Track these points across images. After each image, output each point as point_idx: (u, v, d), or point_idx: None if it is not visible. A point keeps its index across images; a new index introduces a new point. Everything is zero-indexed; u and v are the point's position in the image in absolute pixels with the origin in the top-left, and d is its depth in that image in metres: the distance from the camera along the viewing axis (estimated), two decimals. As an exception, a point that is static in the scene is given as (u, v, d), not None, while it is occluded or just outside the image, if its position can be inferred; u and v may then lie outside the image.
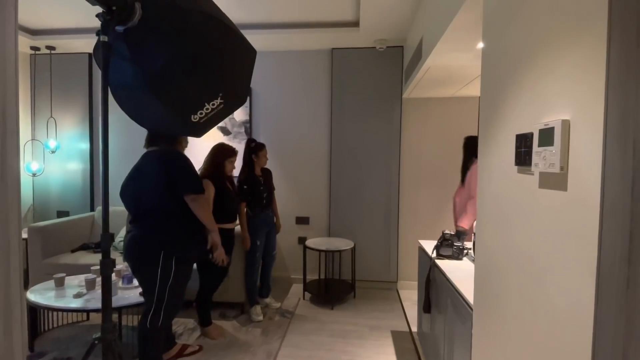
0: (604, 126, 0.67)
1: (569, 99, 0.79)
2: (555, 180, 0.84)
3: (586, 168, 0.73)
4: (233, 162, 2.71)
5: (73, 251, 3.51)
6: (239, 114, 3.86)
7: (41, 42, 3.71)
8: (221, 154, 2.67)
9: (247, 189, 2.94)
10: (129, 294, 2.43)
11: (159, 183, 1.95)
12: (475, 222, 1.54)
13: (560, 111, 0.83)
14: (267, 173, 3.18)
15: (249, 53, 1.64)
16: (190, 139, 2.37)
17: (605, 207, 0.67)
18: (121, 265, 2.69)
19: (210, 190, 2.47)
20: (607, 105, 0.67)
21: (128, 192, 2.02)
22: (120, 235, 3.51)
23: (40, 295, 2.40)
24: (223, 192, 2.58)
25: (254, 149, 3.04)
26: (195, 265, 2.57)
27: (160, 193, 1.96)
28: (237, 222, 2.84)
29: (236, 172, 2.92)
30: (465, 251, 2.08)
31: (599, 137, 0.69)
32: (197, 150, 3.72)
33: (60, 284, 2.54)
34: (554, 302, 0.83)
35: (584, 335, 0.72)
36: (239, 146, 3.20)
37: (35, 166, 3.94)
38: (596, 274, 0.69)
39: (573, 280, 0.76)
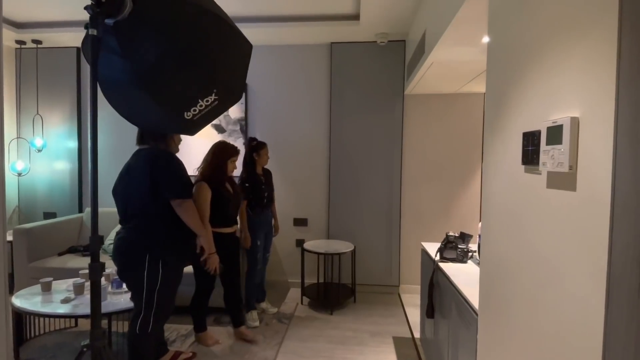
0: (614, 123, 0.67)
1: (578, 95, 0.79)
2: (564, 180, 0.84)
3: (596, 167, 0.73)
4: (235, 161, 2.69)
5: (60, 254, 3.49)
6: (234, 111, 3.86)
7: (27, 36, 3.69)
8: (223, 153, 2.63)
9: (248, 187, 2.97)
10: (119, 299, 2.42)
11: (145, 185, 1.94)
12: (480, 224, 1.54)
13: (569, 108, 0.83)
14: (267, 173, 3.22)
15: (245, 47, 1.64)
16: (183, 136, 2.36)
17: (616, 208, 0.67)
18: (111, 269, 2.68)
19: (205, 193, 2.45)
20: (618, 102, 0.67)
21: (119, 191, 2.02)
22: (110, 238, 3.50)
23: (26, 300, 2.39)
24: (221, 195, 2.56)
25: (256, 147, 3.07)
26: (192, 269, 2.58)
27: (147, 195, 1.95)
28: (237, 226, 2.81)
29: (237, 172, 2.92)
30: (470, 254, 2.09)
31: (609, 135, 0.69)
32: (190, 148, 3.72)
33: (47, 288, 2.53)
34: (562, 307, 0.84)
35: (593, 341, 0.72)
36: (234, 144, 3.19)
37: (20, 165, 3.93)
38: (607, 277, 0.69)
39: (582, 284, 0.76)
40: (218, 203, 2.52)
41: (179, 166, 2.04)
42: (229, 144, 2.70)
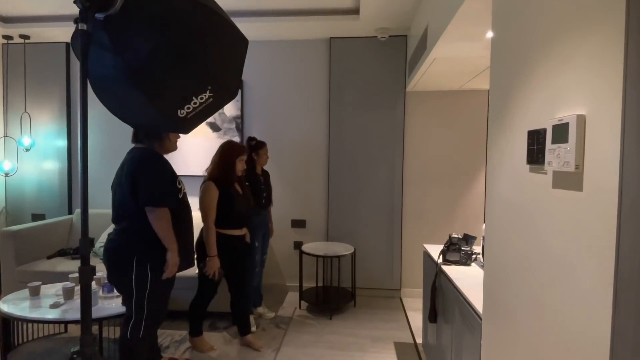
0: (621, 121, 0.68)
1: (585, 93, 0.80)
2: (570, 180, 0.84)
3: (603, 167, 0.73)
4: (243, 160, 2.69)
5: (49, 257, 3.49)
6: (230, 109, 3.86)
7: (14, 31, 3.68)
8: (231, 152, 2.63)
9: (248, 186, 2.97)
10: (110, 303, 2.41)
11: (130, 187, 1.94)
12: (484, 226, 1.54)
13: (575, 105, 0.83)
14: (265, 174, 3.25)
15: (241, 43, 1.64)
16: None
17: (623, 209, 0.67)
18: (102, 272, 2.68)
19: (212, 193, 2.48)
20: (625, 99, 0.67)
21: (114, 190, 2.03)
22: (101, 240, 3.50)
23: (14, 305, 2.38)
24: (230, 195, 2.56)
25: (255, 147, 3.09)
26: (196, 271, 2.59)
27: (132, 197, 1.95)
28: (246, 229, 2.77)
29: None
30: (474, 256, 2.09)
31: (616, 133, 0.69)
32: (184, 151, 3.72)
33: (35, 293, 2.53)
34: (568, 311, 0.84)
35: (600, 347, 0.72)
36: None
37: (7, 165, 3.92)
38: (614, 280, 0.69)
39: (589, 287, 0.77)
40: (226, 204, 2.53)
41: (162, 172, 2.01)
42: (236, 142, 2.73)
